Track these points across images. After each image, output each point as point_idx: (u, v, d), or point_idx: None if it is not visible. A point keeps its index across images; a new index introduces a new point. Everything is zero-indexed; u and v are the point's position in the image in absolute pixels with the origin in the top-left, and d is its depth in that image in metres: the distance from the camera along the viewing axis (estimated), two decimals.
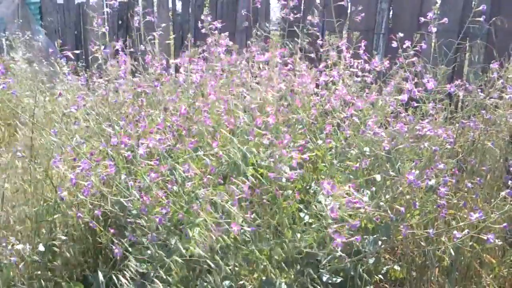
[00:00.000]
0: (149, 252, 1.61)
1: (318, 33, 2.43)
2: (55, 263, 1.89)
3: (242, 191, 1.45)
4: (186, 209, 1.66)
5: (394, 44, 2.06)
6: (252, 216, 1.53)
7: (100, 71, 2.41)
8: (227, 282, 1.71)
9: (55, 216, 1.94)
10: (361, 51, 2.21)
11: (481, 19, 1.89)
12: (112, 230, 1.73)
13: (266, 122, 1.56)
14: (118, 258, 1.63)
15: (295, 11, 2.46)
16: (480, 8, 1.85)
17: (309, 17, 2.27)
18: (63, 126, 1.95)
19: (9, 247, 1.56)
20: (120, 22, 4.43)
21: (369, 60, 2.18)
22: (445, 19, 2.03)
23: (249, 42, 2.42)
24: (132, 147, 1.61)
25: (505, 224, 1.59)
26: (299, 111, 1.97)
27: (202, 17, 2.25)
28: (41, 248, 1.64)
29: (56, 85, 2.89)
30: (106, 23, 4.55)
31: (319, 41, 2.36)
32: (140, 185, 1.63)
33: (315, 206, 1.55)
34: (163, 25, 2.70)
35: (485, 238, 1.53)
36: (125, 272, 1.52)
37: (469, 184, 1.94)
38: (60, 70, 2.57)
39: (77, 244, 1.98)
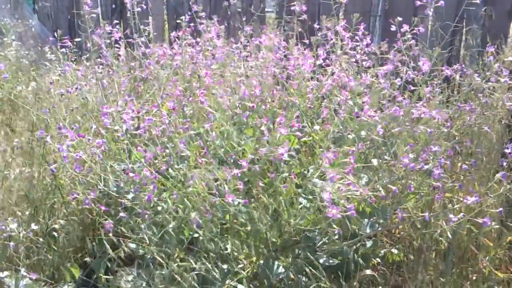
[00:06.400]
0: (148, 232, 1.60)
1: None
2: (54, 247, 1.89)
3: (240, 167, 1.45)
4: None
5: (393, 28, 2.04)
6: (244, 187, 1.53)
7: (96, 57, 2.38)
8: (225, 266, 1.71)
9: (53, 200, 1.94)
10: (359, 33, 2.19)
11: (478, 1, 1.88)
12: (102, 208, 1.72)
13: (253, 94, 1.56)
14: (111, 237, 1.63)
15: None
16: None
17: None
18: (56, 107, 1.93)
19: (6, 227, 1.56)
20: (113, 6, 4.38)
21: (362, 40, 2.17)
22: (441, 2, 2.01)
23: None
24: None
25: (500, 209, 1.60)
26: (295, 94, 1.96)
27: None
28: (34, 227, 1.64)
29: (49, 72, 2.85)
30: (99, 8, 4.48)
31: (315, 25, 2.33)
32: (133, 167, 1.63)
33: (310, 186, 1.55)
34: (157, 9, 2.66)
35: (481, 221, 1.53)
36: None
37: (464, 166, 1.94)
38: (53, 57, 2.53)
39: (76, 231, 1.97)
